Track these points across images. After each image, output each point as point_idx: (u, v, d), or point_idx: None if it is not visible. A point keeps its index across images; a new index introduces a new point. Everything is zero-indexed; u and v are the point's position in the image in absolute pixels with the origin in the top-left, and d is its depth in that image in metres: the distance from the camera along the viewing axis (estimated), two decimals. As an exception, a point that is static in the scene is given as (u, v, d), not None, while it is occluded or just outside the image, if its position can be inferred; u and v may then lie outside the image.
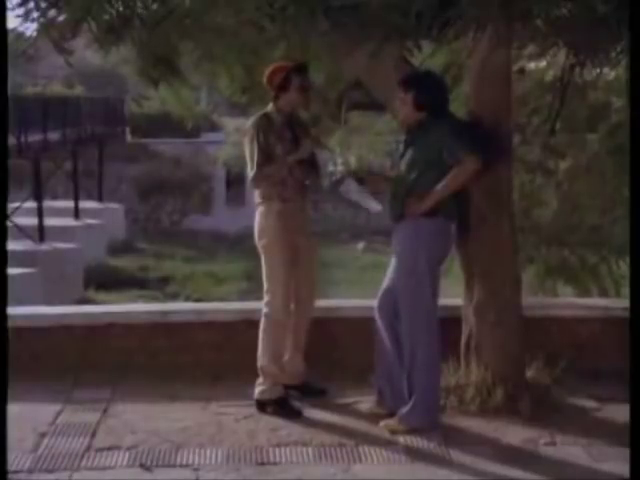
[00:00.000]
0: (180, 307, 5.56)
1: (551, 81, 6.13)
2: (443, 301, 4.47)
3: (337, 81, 5.07)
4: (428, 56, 5.35)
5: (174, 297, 17.29)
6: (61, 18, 3.18)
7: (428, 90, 4.10)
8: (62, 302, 12.64)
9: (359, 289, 13.45)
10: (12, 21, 3.49)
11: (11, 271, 15.02)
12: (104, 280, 17.93)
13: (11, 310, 5.13)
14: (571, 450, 3.88)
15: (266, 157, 4.27)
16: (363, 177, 4.32)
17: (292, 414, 4.21)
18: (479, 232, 4.31)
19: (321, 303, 5.03)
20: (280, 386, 4.33)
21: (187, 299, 16.67)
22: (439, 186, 3.99)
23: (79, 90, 34.39)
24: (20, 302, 11.95)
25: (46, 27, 3.19)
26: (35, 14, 3.15)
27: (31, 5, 3.12)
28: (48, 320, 4.91)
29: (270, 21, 3.38)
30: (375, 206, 4.37)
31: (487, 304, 4.32)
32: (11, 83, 33.23)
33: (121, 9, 3.40)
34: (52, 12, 3.20)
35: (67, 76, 37.40)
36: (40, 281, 15.26)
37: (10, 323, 4.77)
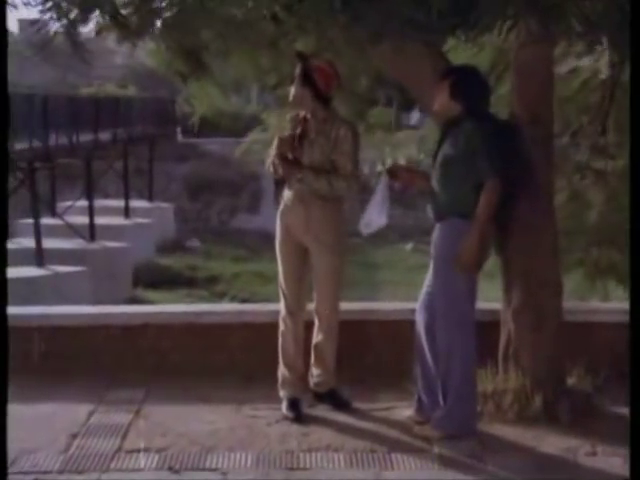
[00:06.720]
0: (214, 308, 5.54)
1: (601, 80, 5.96)
2: (482, 305, 4.37)
3: (359, 77, 4.96)
4: (473, 54, 5.25)
5: (221, 296, 17.36)
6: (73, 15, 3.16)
7: (465, 81, 3.98)
8: (111, 300, 12.78)
9: (406, 290, 13.32)
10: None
11: (61, 269, 15.28)
12: (153, 279, 18.07)
13: (49, 310, 5.19)
14: (612, 461, 3.74)
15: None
16: (396, 171, 4.22)
17: (291, 417, 4.16)
18: (519, 235, 4.19)
19: (356, 306, 4.99)
20: (290, 386, 4.27)
21: (233, 298, 16.72)
22: (478, 214, 3.86)
23: (132, 90, 34.79)
24: (69, 300, 12.21)
25: (70, 25, 3.17)
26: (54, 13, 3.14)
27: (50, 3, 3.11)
28: (84, 320, 4.92)
29: (287, 13, 3.31)
30: (374, 222, 4.17)
31: (526, 308, 4.20)
32: (65, 84, 33.81)
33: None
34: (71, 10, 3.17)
35: (121, 77, 37.91)
36: (89, 279, 15.44)
37: (47, 322, 4.85)
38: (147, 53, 6.22)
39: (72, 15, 3.17)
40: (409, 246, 21.52)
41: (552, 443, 3.91)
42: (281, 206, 4.32)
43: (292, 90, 4.19)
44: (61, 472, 3.61)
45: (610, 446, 3.87)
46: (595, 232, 6.52)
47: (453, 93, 3.96)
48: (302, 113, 4.24)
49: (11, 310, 3.99)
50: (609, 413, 4.23)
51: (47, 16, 3.15)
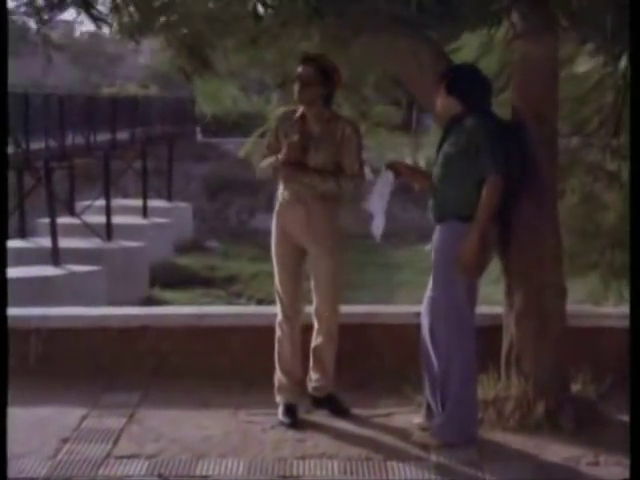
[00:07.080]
0: (215, 311, 5.46)
1: (614, 79, 5.83)
2: (484, 309, 4.27)
3: (365, 76, 4.86)
4: (480, 55, 5.15)
5: (238, 296, 17.32)
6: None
7: (463, 78, 3.91)
8: (127, 300, 12.75)
9: (421, 291, 13.19)
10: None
11: (77, 268, 15.28)
12: (170, 279, 18.03)
13: (47, 311, 5.13)
14: (615, 471, 3.62)
15: (272, 153, 4.14)
16: (398, 168, 4.12)
17: (286, 423, 4.06)
18: (522, 237, 4.08)
19: (358, 309, 4.90)
20: (286, 391, 4.18)
21: (250, 299, 16.67)
22: (479, 213, 3.79)
23: (153, 90, 34.87)
24: (85, 299, 12.19)
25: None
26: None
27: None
28: (83, 322, 4.86)
29: (266, 10, 3.23)
30: (381, 223, 4.10)
31: (529, 313, 4.09)
32: (89, 84, 33.95)
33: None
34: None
35: (143, 77, 38.05)
36: (106, 279, 15.43)
37: (45, 324, 4.79)
38: (152, 52, 6.18)
39: (45, 14, 3.10)
40: (427, 247, 21.36)
41: (554, 452, 3.80)
42: (277, 206, 4.23)
43: (296, 88, 4.07)
44: (47, 479, 3.54)
45: (613, 455, 3.75)
46: (609, 234, 6.40)
47: (450, 90, 3.88)
48: (299, 112, 4.13)
49: (9, 311, 3.94)
50: (614, 421, 4.09)
51: (22, 10, 3.09)
